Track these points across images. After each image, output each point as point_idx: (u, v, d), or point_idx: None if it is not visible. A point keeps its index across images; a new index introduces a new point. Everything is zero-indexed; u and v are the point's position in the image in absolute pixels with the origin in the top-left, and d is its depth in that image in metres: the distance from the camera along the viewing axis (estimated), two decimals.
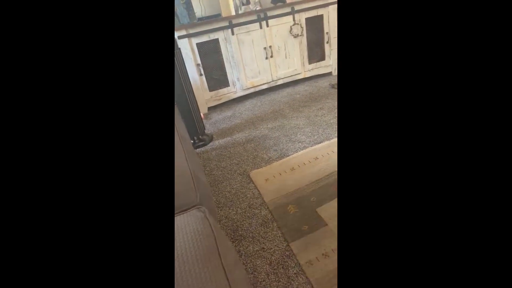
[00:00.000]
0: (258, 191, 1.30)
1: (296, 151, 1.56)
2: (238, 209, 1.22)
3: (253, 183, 1.37)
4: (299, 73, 2.53)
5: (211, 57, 2.22)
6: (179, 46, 1.96)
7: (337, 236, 1.03)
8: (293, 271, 0.91)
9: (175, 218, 0.60)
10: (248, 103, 2.39)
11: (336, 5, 2.50)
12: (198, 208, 0.65)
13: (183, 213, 0.62)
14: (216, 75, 2.31)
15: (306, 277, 0.88)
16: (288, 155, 1.53)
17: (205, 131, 1.98)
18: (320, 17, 2.41)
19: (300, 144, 1.63)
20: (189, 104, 1.70)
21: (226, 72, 2.31)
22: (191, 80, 2.14)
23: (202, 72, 2.23)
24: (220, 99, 2.37)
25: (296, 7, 2.29)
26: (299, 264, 0.92)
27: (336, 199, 1.19)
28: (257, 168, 1.48)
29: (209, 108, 2.41)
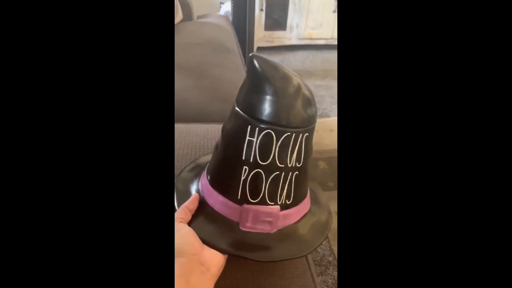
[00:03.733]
0: None
1: None
2: None
3: None
4: None
5: None
6: None
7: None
8: None
9: None
10: (300, 54, 2.28)
11: None
12: None
13: None
14: (277, 15, 2.16)
15: None
16: (330, 116, 1.49)
17: None
18: None
19: None
20: (247, 32, 1.63)
21: (287, 15, 2.16)
22: None
23: (264, 7, 2.10)
24: (273, 41, 2.26)
25: None
26: None
27: None
28: None
29: (258, 48, 2.31)
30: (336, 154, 1.22)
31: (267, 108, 0.33)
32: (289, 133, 0.33)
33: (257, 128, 0.33)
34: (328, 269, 0.81)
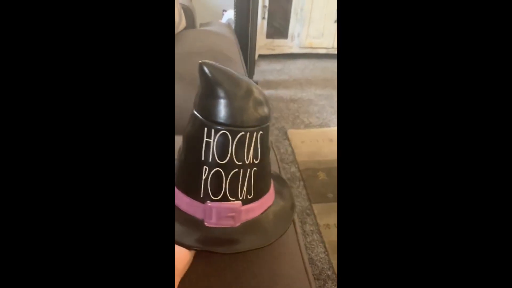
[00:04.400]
0: (292, 149, 1.30)
1: None
2: None
3: (288, 140, 1.35)
4: None
5: (280, 2, 2.08)
6: None
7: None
8: (309, 228, 0.93)
9: None
10: (300, 63, 2.29)
11: None
12: None
13: None
14: (278, 23, 2.18)
15: (321, 237, 0.90)
16: (330, 126, 1.49)
17: (253, 77, 1.94)
18: None
19: None
20: (249, 39, 1.64)
21: (289, 24, 2.18)
22: None
23: (266, 15, 2.12)
24: (274, 49, 2.27)
25: None
26: (317, 224, 0.94)
27: None
28: (296, 128, 1.45)
29: (259, 56, 2.33)
30: (335, 165, 1.22)
31: (221, 110, 0.36)
32: (243, 132, 0.36)
33: (213, 130, 0.36)
34: (327, 283, 0.81)
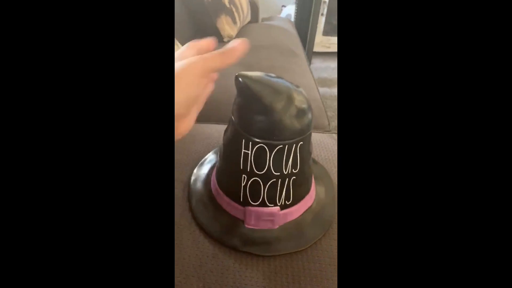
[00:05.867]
0: None
1: None
2: None
3: None
4: None
5: None
6: None
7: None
8: None
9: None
10: None
11: None
12: (329, 134, 0.63)
13: (318, 133, 0.62)
14: (336, 20, 2.12)
15: None
16: None
17: None
18: None
19: None
20: (308, 35, 1.62)
21: None
22: None
23: (325, 12, 2.07)
24: (329, 47, 2.22)
25: None
26: None
27: None
28: None
29: (314, 53, 2.29)
30: None
31: (258, 124, 0.34)
32: (281, 146, 0.35)
33: (250, 142, 0.35)
34: None
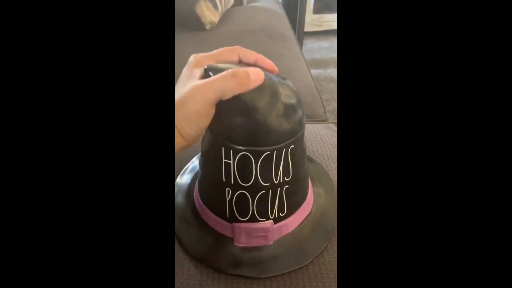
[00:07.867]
0: None
1: None
2: None
3: None
4: None
5: None
6: None
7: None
8: None
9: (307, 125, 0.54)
10: None
11: None
12: (326, 124, 0.58)
13: (312, 123, 0.56)
14: None
15: None
16: None
17: None
18: None
19: None
20: (297, 14, 1.53)
21: None
22: None
23: None
24: (321, 25, 2.12)
25: None
26: None
27: None
28: None
29: (306, 33, 2.19)
30: None
31: (238, 128, 0.28)
32: (268, 152, 0.29)
33: (231, 151, 0.29)
34: None
